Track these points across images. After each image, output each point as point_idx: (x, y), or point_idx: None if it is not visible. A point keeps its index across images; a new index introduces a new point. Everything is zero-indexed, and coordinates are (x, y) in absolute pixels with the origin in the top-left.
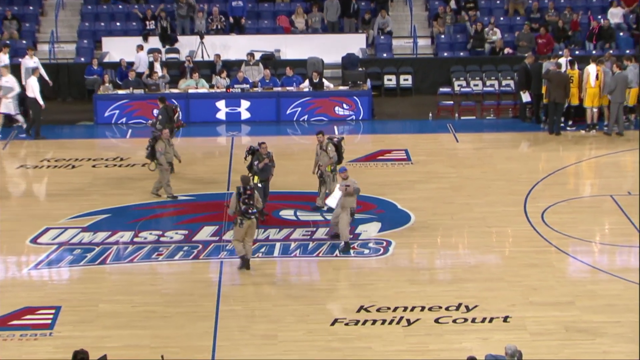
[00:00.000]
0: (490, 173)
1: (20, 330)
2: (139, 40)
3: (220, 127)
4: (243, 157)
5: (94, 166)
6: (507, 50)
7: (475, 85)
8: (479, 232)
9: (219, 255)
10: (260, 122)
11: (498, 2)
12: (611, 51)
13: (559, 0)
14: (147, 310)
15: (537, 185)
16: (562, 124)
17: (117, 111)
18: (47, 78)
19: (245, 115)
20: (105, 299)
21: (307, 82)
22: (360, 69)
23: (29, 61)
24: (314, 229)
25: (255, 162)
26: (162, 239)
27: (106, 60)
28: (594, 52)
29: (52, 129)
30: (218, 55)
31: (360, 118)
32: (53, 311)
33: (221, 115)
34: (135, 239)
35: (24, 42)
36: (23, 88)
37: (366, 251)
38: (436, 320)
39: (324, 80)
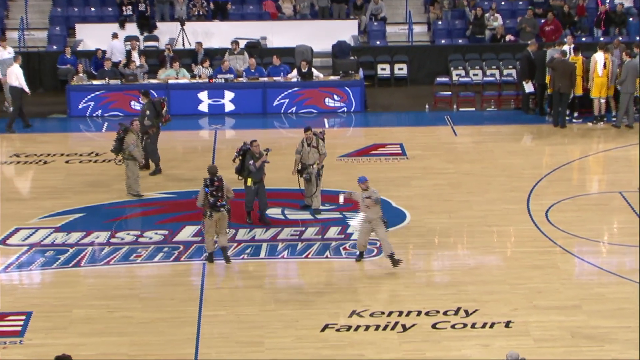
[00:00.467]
0: (491, 168)
1: None
2: (114, 27)
3: (202, 120)
4: (232, 159)
5: (67, 162)
6: (508, 37)
7: (475, 74)
8: (478, 231)
9: (201, 257)
10: (245, 115)
11: None
12: (620, 38)
13: None
14: (124, 315)
15: (541, 181)
16: (567, 116)
17: (92, 103)
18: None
19: (229, 107)
20: (79, 304)
21: (295, 71)
22: (351, 57)
23: (3, 52)
24: (303, 228)
25: (251, 162)
26: (140, 239)
27: (80, 48)
28: (601, 38)
29: (22, 122)
30: (200, 44)
31: (352, 110)
32: (23, 317)
33: (203, 108)
34: (112, 240)
35: None
36: None
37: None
38: (433, 326)
39: (313, 69)
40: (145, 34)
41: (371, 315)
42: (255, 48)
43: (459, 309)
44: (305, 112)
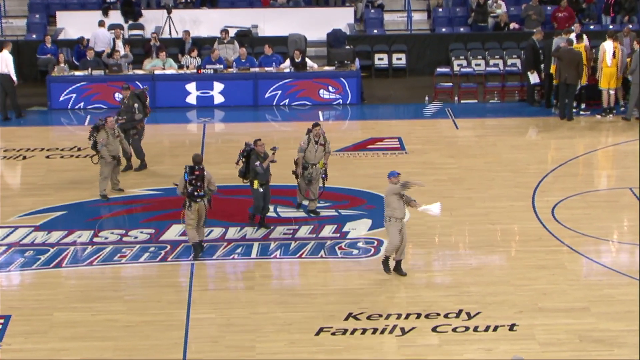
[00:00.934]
0: (494, 163)
1: None
2: (97, 14)
3: (190, 112)
4: (235, 162)
5: (47, 157)
6: (513, 26)
7: (477, 65)
8: (481, 229)
9: (189, 257)
10: (235, 107)
11: None
12: (630, 26)
13: None
14: (108, 319)
15: (547, 177)
16: (574, 108)
17: (74, 95)
18: None
19: (218, 99)
20: (61, 307)
21: (288, 61)
22: (347, 47)
23: None
24: (297, 227)
25: (257, 163)
26: (125, 238)
27: (61, 37)
28: (610, 26)
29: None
30: (187, 32)
31: (347, 102)
32: (2, 321)
33: (191, 100)
34: (95, 239)
35: None
36: None
37: (355, 251)
38: (434, 329)
39: (307, 59)
40: (130, 22)
41: (368, 318)
42: (246, 37)
43: (460, 311)
44: (299, 104)
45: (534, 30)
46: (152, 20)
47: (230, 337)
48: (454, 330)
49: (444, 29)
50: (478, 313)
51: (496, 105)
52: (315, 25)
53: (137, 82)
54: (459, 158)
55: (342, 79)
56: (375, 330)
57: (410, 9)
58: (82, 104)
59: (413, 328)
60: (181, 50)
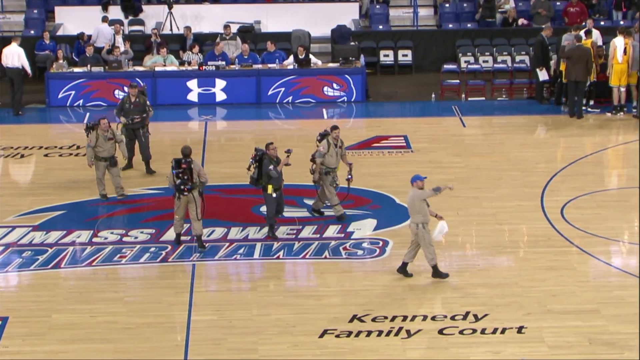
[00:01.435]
0: (502, 162)
1: None
2: (96, 9)
3: (192, 110)
4: (246, 168)
5: (46, 155)
6: (521, 21)
7: (485, 61)
8: (489, 230)
9: (190, 258)
10: (237, 105)
11: None
12: None
13: None
14: (108, 321)
15: (556, 176)
16: (583, 106)
17: (73, 92)
18: None
19: (220, 96)
20: (59, 308)
21: (291, 58)
22: (352, 43)
23: None
24: (300, 227)
25: (271, 167)
26: (125, 239)
27: (60, 33)
28: (621, 22)
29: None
30: (189, 28)
31: (352, 100)
32: None
33: (193, 97)
34: (94, 239)
35: None
36: None
37: (360, 252)
38: (440, 332)
39: (310, 56)
40: (130, 17)
41: (373, 320)
42: (248, 33)
43: (467, 313)
44: (302, 102)
45: (543, 26)
46: (152, 15)
47: (232, 339)
48: (461, 332)
49: (450, 25)
50: (485, 315)
51: (504, 102)
52: (319, 21)
53: (137, 79)
54: (466, 157)
55: (346, 76)
56: (380, 333)
57: (417, 4)
58: (81, 101)
59: (419, 330)
60: (182, 46)
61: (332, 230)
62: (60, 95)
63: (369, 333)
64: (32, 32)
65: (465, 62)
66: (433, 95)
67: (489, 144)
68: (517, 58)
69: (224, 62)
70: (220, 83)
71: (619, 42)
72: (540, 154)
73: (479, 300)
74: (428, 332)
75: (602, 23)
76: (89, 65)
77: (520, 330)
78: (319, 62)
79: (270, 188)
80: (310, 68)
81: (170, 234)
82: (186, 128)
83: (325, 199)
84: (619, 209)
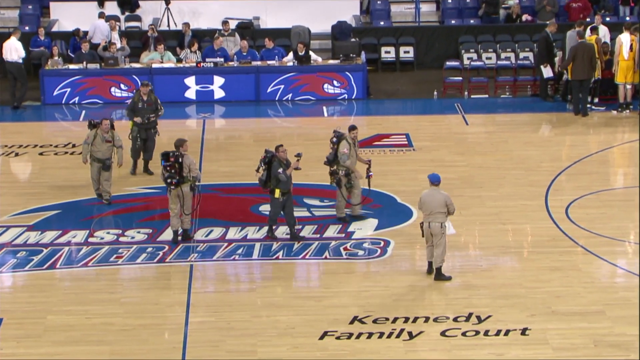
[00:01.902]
0: (506, 161)
1: None
2: (92, 5)
3: (189, 107)
4: (255, 169)
5: (41, 154)
6: (525, 17)
7: (488, 58)
8: (492, 230)
9: (188, 258)
10: (236, 102)
11: None
12: None
13: None
14: (104, 322)
15: (561, 175)
16: (588, 103)
17: (69, 89)
18: None
19: (218, 94)
20: (55, 310)
21: (291, 55)
22: (353, 39)
23: None
24: (300, 227)
25: (280, 170)
26: (121, 239)
27: (55, 29)
28: (628, 18)
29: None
30: (187, 24)
31: (353, 97)
32: None
33: (191, 94)
34: (90, 239)
35: None
36: None
37: (360, 252)
38: (442, 333)
39: (310, 53)
40: (127, 13)
41: (374, 321)
42: (247, 29)
43: (470, 314)
44: (302, 99)
45: (548, 22)
46: (149, 11)
47: (231, 341)
48: (464, 334)
49: (453, 21)
50: (489, 316)
51: (507, 100)
52: (319, 17)
53: (134, 77)
54: (469, 155)
55: (347, 73)
56: (381, 334)
57: (418, 0)
58: (76, 99)
59: (421, 332)
60: (180, 43)
61: (332, 230)
62: (55, 93)
63: (370, 335)
64: (27, 28)
65: (468, 58)
66: (435, 93)
67: (492, 142)
68: (521, 55)
69: (222, 59)
70: (218, 80)
71: (625, 38)
72: (544, 153)
73: (482, 302)
74: (430, 334)
75: (607, 19)
76: (84, 62)
77: (524, 331)
78: (319, 59)
79: (277, 192)
80: (310, 65)
81: (168, 234)
82: (184, 126)
83: (355, 199)
84: (624, 208)
